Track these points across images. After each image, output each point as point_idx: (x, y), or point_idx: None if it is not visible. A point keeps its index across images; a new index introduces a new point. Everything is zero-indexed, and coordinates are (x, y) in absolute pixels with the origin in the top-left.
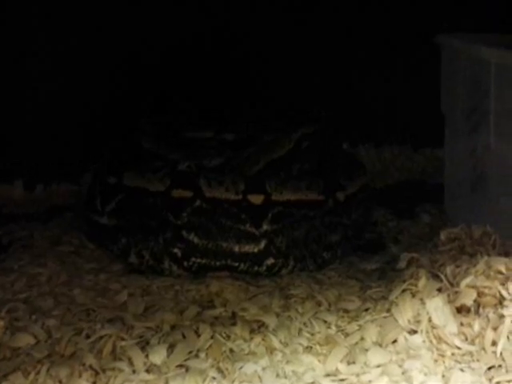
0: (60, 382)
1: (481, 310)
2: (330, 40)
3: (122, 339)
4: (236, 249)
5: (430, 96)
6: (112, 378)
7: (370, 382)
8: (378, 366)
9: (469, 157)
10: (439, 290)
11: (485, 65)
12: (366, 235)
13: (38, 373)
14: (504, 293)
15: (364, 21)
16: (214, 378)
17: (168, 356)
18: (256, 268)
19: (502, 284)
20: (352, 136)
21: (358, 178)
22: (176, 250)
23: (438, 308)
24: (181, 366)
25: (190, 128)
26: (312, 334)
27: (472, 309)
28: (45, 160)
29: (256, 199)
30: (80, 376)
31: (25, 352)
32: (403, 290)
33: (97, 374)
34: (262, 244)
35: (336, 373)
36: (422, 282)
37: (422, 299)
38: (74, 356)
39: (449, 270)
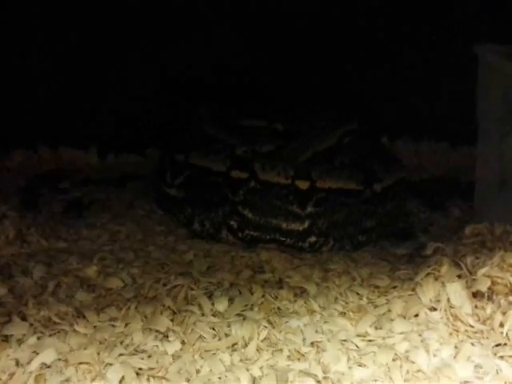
0: (146, 317)
1: (494, 296)
2: (375, 34)
3: (192, 289)
4: (283, 226)
5: (470, 96)
6: (186, 317)
7: (393, 344)
8: (401, 333)
9: (498, 161)
10: (459, 276)
11: None
12: (399, 224)
13: (128, 308)
14: None
15: (414, 20)
16: (265, 327)
17: (229, 306)
18: (300, 244)
19: None
20: (391, 130)
21: (395, 172)
22: (232, 222)
23: (456, 291)
24: (239, 314)
25: (245, 117)
26: (346, 303)
27: (486, 295)
28: (116, 132)
29: (303, 184)
30: (161, 314)
31: (116, 292)
32: (427, 274)
33: (174, 313)
34: (306, 223)
35: (365, 334)
36: (444, 268)
37: (443, 283)
38: (155, 298)
39: (469, 260)
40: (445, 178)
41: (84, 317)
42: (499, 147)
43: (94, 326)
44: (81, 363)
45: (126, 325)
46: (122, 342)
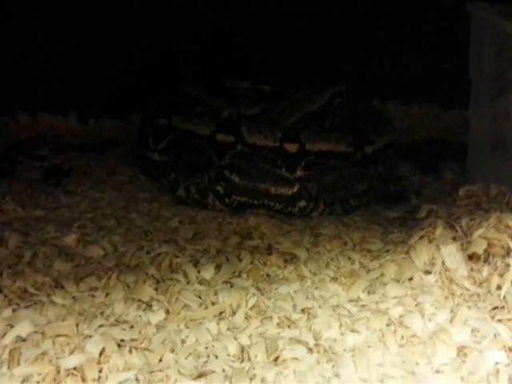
0: (128, 286)
1: (490, 258)
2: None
3: (177, 257)
4: (272, 190)
5: (461, 58)
6: (171, 286)
7: (387, 309)
8: (395, 298)
9: (491, 121)
10: (454, 238)
11: (510, 36)
12: (391, 187)
13: (109, 278)
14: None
15: None
16: (254, 294)
17: (216, 273)
18: (289, 209)
19: (511, 237)
20: (382, 92)
21: (386, 134)
22: (219, 188)
23: (451, 254)
24: (226, 282)
25: (230, 78)
26: (338, 268)
27: (482, 257)
28: (96, 96)
29: (291, 147)
30: (144, 283)
31: (96, 261)
32: (421, 236)
33: (158, 282)
34: (296, 188)
35: (358, 300)
36: (438, 231)
37: (437, 245)
38: (138, 267)
39: (464, 221)
40: (437, 140)
41: (62, 287)
42: (492, 107)
43: (73, 297)
44: (58, 335)
45: (107, 295)
46: (102, 313)
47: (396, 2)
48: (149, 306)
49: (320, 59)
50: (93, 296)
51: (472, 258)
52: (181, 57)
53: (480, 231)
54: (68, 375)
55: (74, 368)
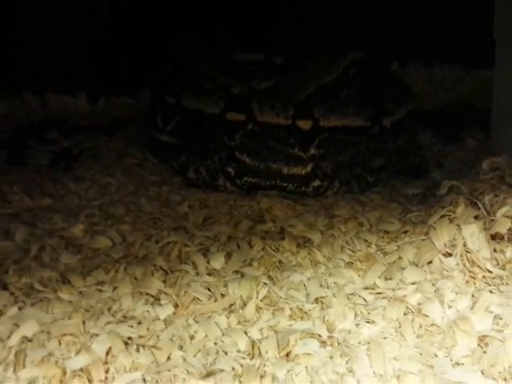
0: (136, 278)
1: None
2: None
3: (186, 246)
4: (285, 170)
5: (485, 15)
6: (179, 278)
7: (404, 296)
8: (413, 284)
9: None
10: (476, 217)
11: None
12: (410, 159)
13: (116, 270)
14: None
15: None
16: (265, 284)
17: (226, 263)
18: (303, 189)
19: None
20: (401, 55)
21: (405, 104)
22: (230, 169)
23: (473, 234)
24: (237, 271)
25: (240, 50)
26: (353, 252)
27: (506, 237)
28: (105, 74)
29: (304, 124)
30: (152, 275)
31: (104, 253)
32: (442, 216)
33: (166, 273)
34: (309, 167)
35: (374, 287)
36: (460, 209)
37: (458, 225)
38: (146, 258)
39: (487, 198)
40: (459, 106)
41: (69, 282)
42: None
43: (80, 292)
44: (64, 335)
45: (114, 289)
46: (109, 309)
47: None
48: (157, 299)
49: (334, 22)
50: (100, 290)
51: (495, 238)
52: (188, 28)
53: (504, 209)
54: (74, 377)
55: (81, 369)
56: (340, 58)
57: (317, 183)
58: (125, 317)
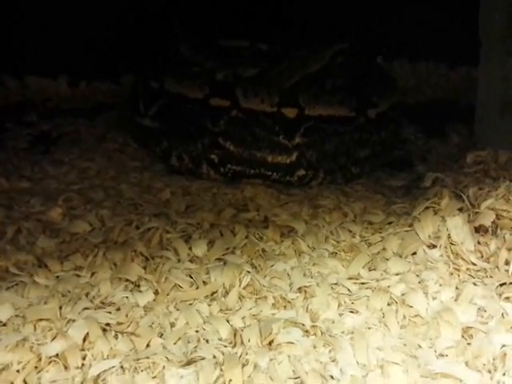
0: (115, 264)
1: (498, 231)
2: None
3: (168, 232)
4: (269, 159)
5: (470, 14)
6: (160, 264)
7: (388, 287)
8: (397, 274)
9: (501, 82)
10: (460, 209)
11: None
12: (395, 152)
13: (95, 255)
14: None
15: None
16: (248, 272)
17: (208, 250)
18: (287, 178)
19: None
20: (387, 50)
21: (390, 96)
22: (213, 156)
23: (457, 226)
24: (219, 259)
25: (225, 37)
26: (337, 242)
27: (490, 229)
28: (87, 57)
29: (290, 112)
30: (132, 261)
31: (82, 237)
32: (426, 208)
33: (147, 260)
34: (294, 156)
35: (358, 277)
36: (444, 201)
37: (443, 217)
38: (126, 243)
39: (471, 191)
40: (443, 101)
41: (46, 266)
42: (503, 67)
43: (57, 277)
44: (40, 320)
45: (93, 274)
46: (87, 294)
47: None
48: (137, 286)
49: (322, 15)
50: (77, 276)
51: (479, 230)
52: (175, 13)
53: (488, 202)
54: (50, 363)
55: (56, 355)
56: (326, 48)
57: (301, 173)
58: (103, 303)
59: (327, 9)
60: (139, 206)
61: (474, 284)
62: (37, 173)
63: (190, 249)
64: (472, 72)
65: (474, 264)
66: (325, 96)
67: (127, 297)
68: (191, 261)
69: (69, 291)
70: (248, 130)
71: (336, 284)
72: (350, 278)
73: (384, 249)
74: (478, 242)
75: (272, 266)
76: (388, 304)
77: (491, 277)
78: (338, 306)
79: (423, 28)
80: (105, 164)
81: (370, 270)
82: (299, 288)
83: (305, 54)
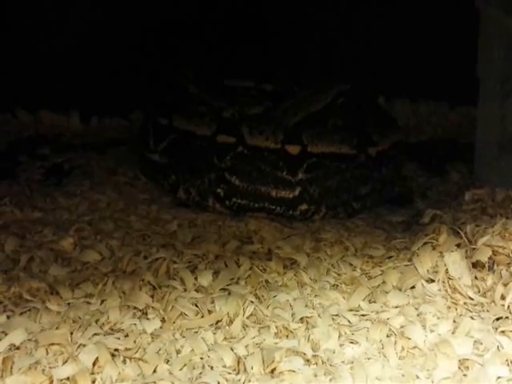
0: (124, 292)
1: (494, 266)
2: None
3: (175, 262)
4: (273, 193)
5: (470, 55)
6: (167, 293)
7: (388, 319)
8: (396, 307)
9: (499, 122)
10: (458, 245)
11: None
12: (395, 189)
13: (105, 284)
14: None
15: None
16: (252, 302)
17: (213, 280)
18: (290, 212)
19: None
20: (388, 90)
21: (391, 135)
22: (219, 190)
23: (455, 261)
24: (224, 289)
25: (231, 77)
26: (338, 274)
27: (486, 265)
28: (99, 94)
29: (293, 149)
30: (140, 289)
31: (92, 266)
32: (425, 243)
33: (154, 289)
34: (297, 191)
35: (358, 309)
36: (442, 237)
37: (441, 252)
38: (135, 273)
39: (469, 228)
40: (444, 140)
41: (57, 293)
42: (501, 107)
43: (68, 303)
44: (52, 344)
45: (102, 302)
46: (97, 321)
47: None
48: (144, 313)
49: (325, 56)
50: (88, 303)
51: (476, 266)
52: (183, 55)
53: (485, 238)
54: None
55: (67, 378)
56: (328, 88)
57: (304, 207)
58: (112, 329)
59: (329, 50)
60: (147, 237)
61: (471, 318)
62: (49, 204)
63: (196, 279)
64: (471, 111)
65: (471, 298)
66: (327, 134)
67: (135, 324)
68: (197, 290)
69: (79, 317)
70: (253, 165)
71: (337, 315)
72: (351, 310)
73: (384, 282)
74: (475, 277)
75: (275, 296)
76: (387, 336)
77: (488, 311)
78: (339, 337)
79: (424, 68)
80: (115, 196)
81: (370, 303)
82: (301, 318)
83: (308, 94)
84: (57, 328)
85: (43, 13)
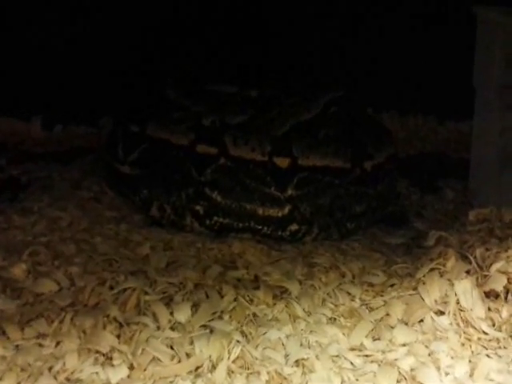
0: (84, 332)
1: (509, 296)
2: (360, 5)
3: (146, 293)
4: (260, 211)
5: (460, 68)
6: (137, 332)
7: (396, 360)
8: (404, 345)
9: (499, 136)
10: (468, 272)
11: None
12: (389, 207)
13: (61, 321)
14: None
15: None
16: (238, 342)
17: (192, 315)
18: (279, 233)
19: None
20: (376, 103)
21: (386, 147)
22: (198, 207)
23: (466, 291)
24: (205, 326)
25: (214, 81)
26: (336, 306)
27: (501, 294)
28: (64, 100)
29: (282, 162)
30: (104, 328)
31: (47, 299)
32: (431, 269)
33: (121, 326)
34: (286, 209)
35: (361, 348)
36: (450, 263)
37: (450, 280)
38: (98, 307)
39: (478, 252)
40: (434, 155)
41: (3, 333)
42: (501, 119)
43: (16, 346)
44: None
45: (58, 343)
46: (50, 369)
47: (394, 8)
48: (108, 358)
49: (313, 67)
50: (40, 345)
51: (489, 295)
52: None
53: (498, 265)
54: None
55: None
56: (319, 95)
57: (294, 227)
58: (68, 379)
59: (317, 58)
60: (114, 262)
61: (488, 356)
62: (1, 222)
63: (172, 314)
64: (460, 126)
65: (486, 333)
66: (319, 146)
67: (97, 372)
68: (172, 328)
69: (29, 364)
70: (237, 179)
71: (337, 356)
72: (353, 349)
73: (388, 315)
74: (489, 309)
75: (264, 333)
76: (397, 381)
77: (505, 347)
78: (341, 383)
79: (412, 81)
80: (78, 214)
81: (373, 340)
82: (296, 361)
83: (297, 101)
84: (1, 379)
85: (6, 15)
